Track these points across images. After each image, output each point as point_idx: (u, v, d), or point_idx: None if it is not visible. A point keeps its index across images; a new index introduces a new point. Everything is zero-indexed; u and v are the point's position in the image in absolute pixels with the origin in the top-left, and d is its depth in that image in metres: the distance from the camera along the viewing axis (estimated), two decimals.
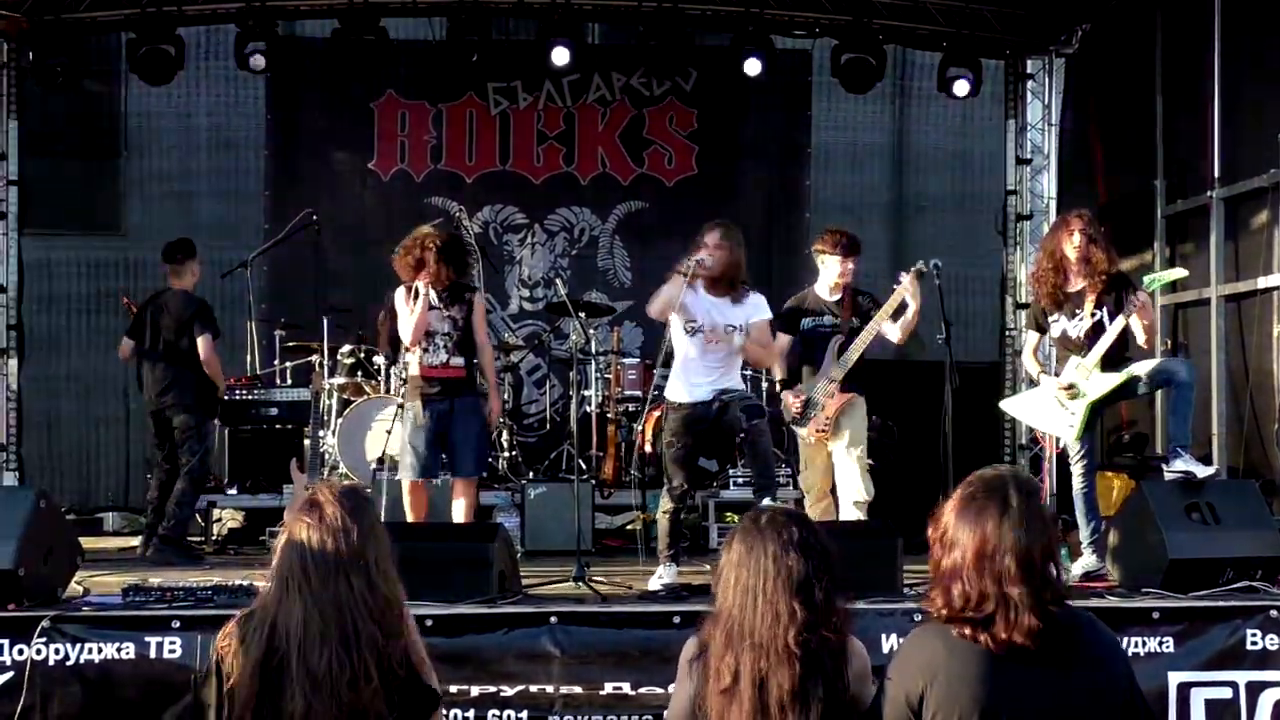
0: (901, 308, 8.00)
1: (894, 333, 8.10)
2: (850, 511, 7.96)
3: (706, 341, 7.52)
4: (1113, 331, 7.53)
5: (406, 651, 3.65)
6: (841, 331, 8.11)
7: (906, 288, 7.95)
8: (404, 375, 8.35)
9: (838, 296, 8.19)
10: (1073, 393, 7.66)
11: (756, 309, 7.64)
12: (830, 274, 8.17)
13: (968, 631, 3.38)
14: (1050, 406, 7.83)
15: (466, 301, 8.13)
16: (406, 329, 7.98)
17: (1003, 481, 3.49)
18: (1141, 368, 7.64)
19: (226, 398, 10.10)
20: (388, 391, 10.49)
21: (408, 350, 8.13)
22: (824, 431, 8.01)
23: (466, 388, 8.18)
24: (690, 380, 7.59)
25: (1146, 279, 7.82)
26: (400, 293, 8.09)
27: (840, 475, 8.07)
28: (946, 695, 3.37)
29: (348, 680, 3.49)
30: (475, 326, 8.15)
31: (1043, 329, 7.95)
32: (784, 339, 8.19)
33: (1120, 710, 3.44)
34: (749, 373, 8.15)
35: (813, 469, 8.19)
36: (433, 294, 7.97)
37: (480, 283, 9.32)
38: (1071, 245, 7.61)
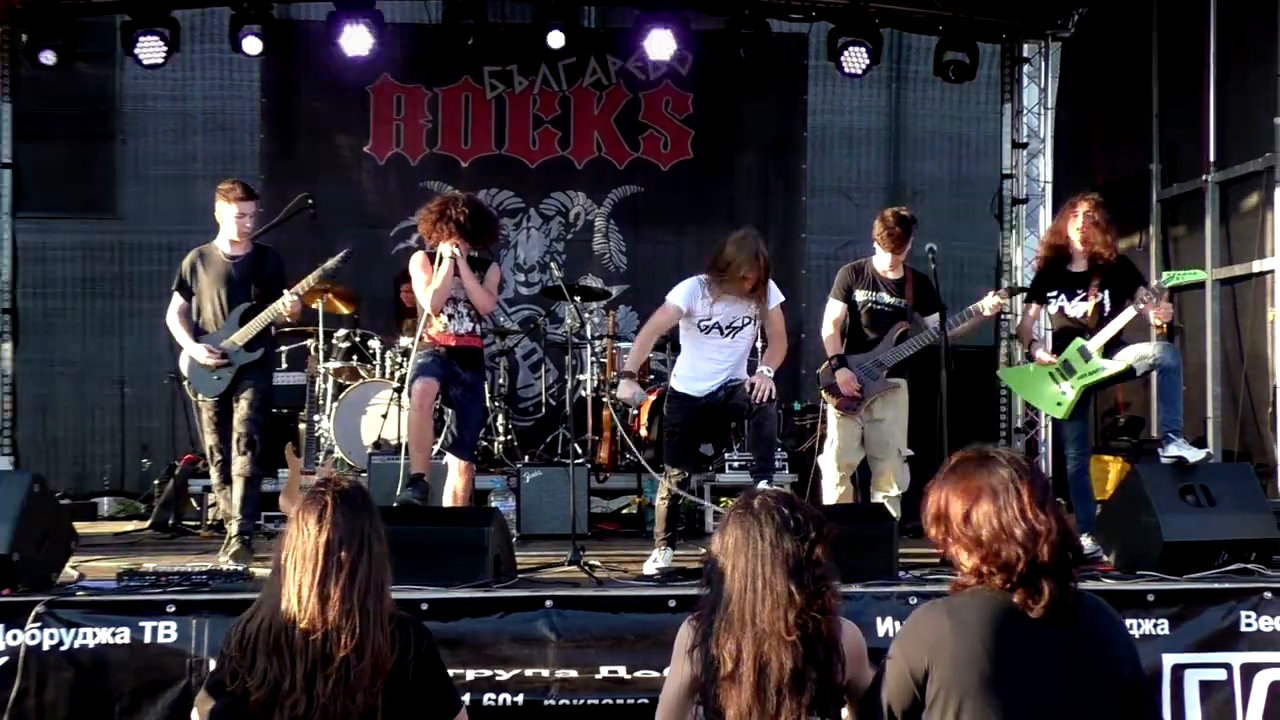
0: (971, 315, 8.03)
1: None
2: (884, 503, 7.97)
3: (721, 336, 7.48)
4: (1121, 320, 7.62)
5: (411, 658, 3.73)
6: (904, 317, 8.07)
7: (995, 308, 8.00)
8: (418, 338, 7.89)
9: (897, 275, 8.13)
10: (1068, 372, 7.73)
11: (770, 297, 7.54)
12: (881, 258, 8.13)
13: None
14: (1044, 383, 7.88)
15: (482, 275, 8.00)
16: (428, 294, 7.77)
17: (986, 449, 3.53)
18: (1133, 353, 7.66)
19: None
20: (383, 376, 10.50)
21: (429, 318, 7.86)
22: (852, 411, 8.01)
23: (480, 362, 8.20)
24: (698, 373, 7.55)
25: (1165, 275, 7.88)
26: (418, 259, 7.96)
27: (880, 466, 8.07)
28: (951, 673, 3.37)
29: (338, 689, 3.59)
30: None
31: (1041, 302, 7.99)
32: (836, 308, 8.13)
33: (1123, 694, 3.43)
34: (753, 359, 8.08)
35: (841, 446, 8.10)
36: (460, 259, 7.78)
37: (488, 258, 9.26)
38: (1074, 227, 7.75)
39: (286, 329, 11.13)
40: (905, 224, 8.09)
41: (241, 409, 7.97)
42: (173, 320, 8.13)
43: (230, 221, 8.03)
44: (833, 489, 8.12)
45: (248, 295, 8.06)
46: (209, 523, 9.97)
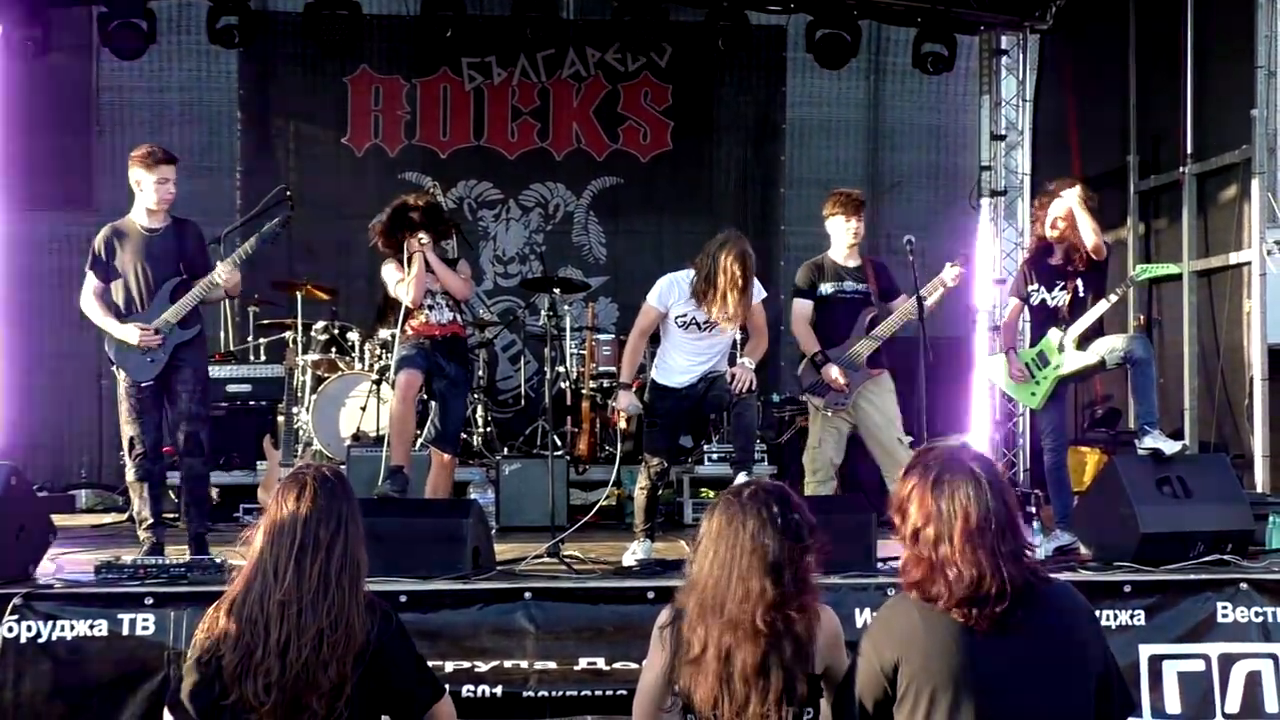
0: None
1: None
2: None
3: (700, 330, 7.48)
4: (1095, 312, 7.67)
5: (377, 636, 3.77)
6: (869, 302, 7.99)
7: (956, 278, 7.88)
8: (398, 331, 8.00)
9: (856, 263, 8.06)
10: (1042, 363, 7.77)
11: (754, 292, 7.50)
12: (840, 236, 8.02)
13: (961, 613, 3.37)
14: (1010, 367, 7.96)
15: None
16: (407, 288, 7.86)
17: (957, 455, 3.52)
18: (1104, 346, 7.71)
19: None
20: (363, 368, 10.48)
21: (412, 312, 7.96)
22: (842, 406, 7.97)
23: (465, 352, 8.29)
24: (678, 366, 7.57)
25: (1139, 268, 7.91)
26: (389, 264, 8.07)
27: (884, 456, 7.92)
28: (922, 668, 3.37)
29: (310, 658, 3.65)
30: None
31: (1024, 297, 8.02)
32: (805, 306, 8.07)
33: (1095, 681, 3.45)
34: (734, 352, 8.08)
35: (826, 446, 8.05)
36: (430, 253, 7.91)
37: (454, 250, 9.29)
38: (1044, 223, 7.80)
39: (266, 321, 11.18)
40: (858, 196, 8.10)
41: (182, 404, 7.40)
42: (89, 303, 7.42)
43: (151, 189, 7.33)
44: (816, 486, 8.04)
45: (175, 270, 7.39)
46: None
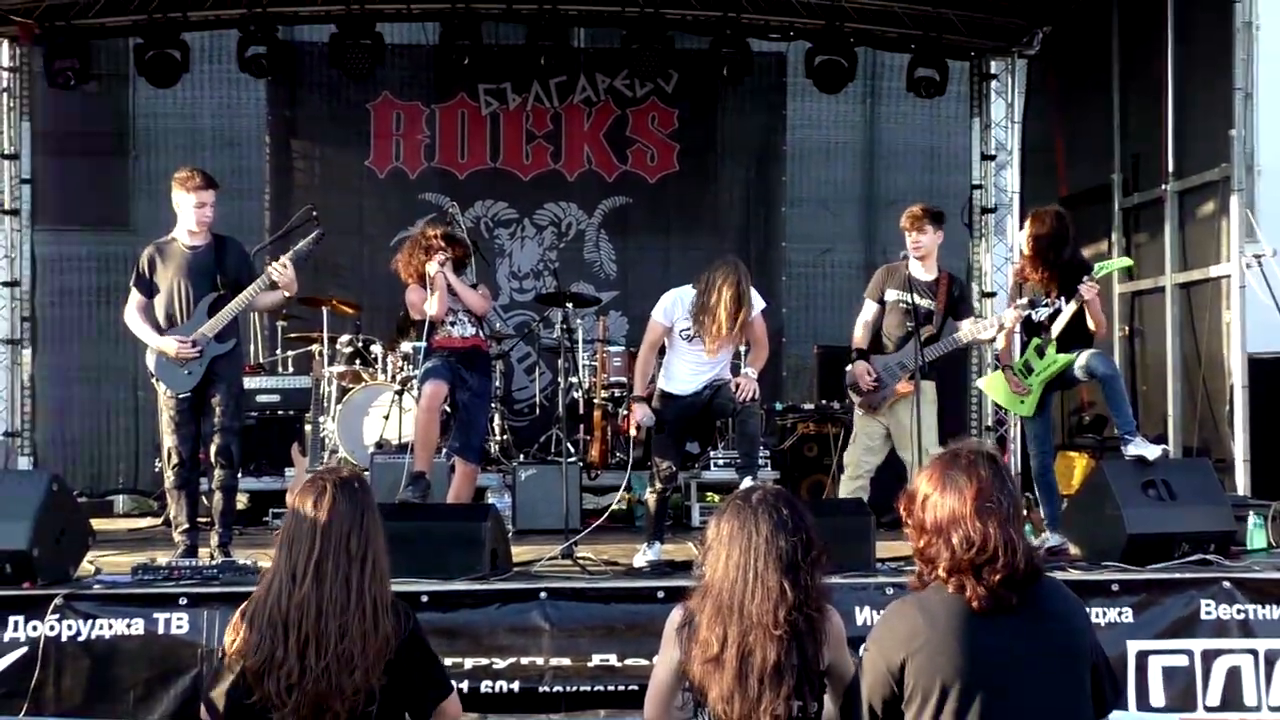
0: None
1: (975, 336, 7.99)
2: None
3: (704, 343, 7.47)
4: (1064, 315, 7.61)
5: (394, 633, 3.71)
6: (930, 322, 7.84)
7: (1016, 319, 7.80)
8: (423, 343, 8.29)
9: (931, 276, 7.96)
10: (1028, 371, 7.75)
11: (753, 304, 7.49)
12: (914, 261, 7.96)
13: (961, 585, 3.34)
14: (1009, 384, 7.92)
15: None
16: (431, 304, 8.04)
17: (980, 448, 3.51)
18: (1077, 356, 7.69)
19: None
20: (386, 379, 10.49)
21: (436, 327, 8.14)
22: (875, 409, 7.89)
23: (486, 364, 8.47)
24: (683, 375, 7.58)
25: (1096, 266, 7.90)
26: (412, 288, 8.26)
27: (911, 462, 7.77)
28: (928, 665, 3.34)
29: (333, 664, 3.59)
30: None
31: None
32: (866, 308, 8.05)
33: (1089, 671, 3.43)
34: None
35: (857, 444, 8.01)
36: (448, 272, 8.09)
37: (473, 275, 9.30)
38: (1026, 241, 7.80)
39: (294, 334, 11.18)
40: (928, 211, 8.02)
41: (216, 416, 7.31)
42: (132, 317, 7.43)
43: (189, 211, 7.37)
44: (846, 482, 7.99)
45: (213, 285, 7.37)
46: None
